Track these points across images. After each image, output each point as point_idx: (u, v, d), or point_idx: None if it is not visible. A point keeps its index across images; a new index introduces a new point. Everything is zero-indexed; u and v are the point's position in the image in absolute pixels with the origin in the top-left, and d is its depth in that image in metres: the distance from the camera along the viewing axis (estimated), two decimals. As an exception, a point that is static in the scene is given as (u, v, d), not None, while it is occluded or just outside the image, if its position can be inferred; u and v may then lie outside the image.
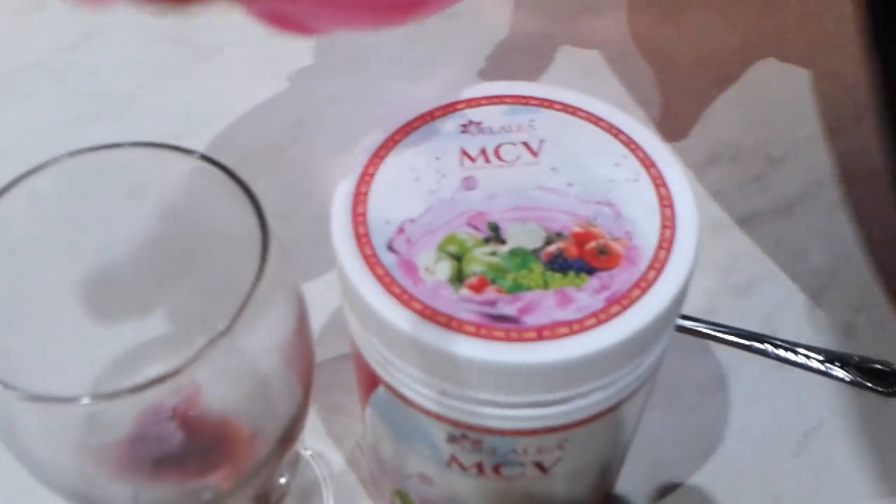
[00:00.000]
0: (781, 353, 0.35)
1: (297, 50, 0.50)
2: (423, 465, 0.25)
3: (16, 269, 0.21)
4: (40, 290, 0.22)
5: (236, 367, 0.26)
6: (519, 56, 0.49)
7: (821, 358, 0.35)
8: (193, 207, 0.23)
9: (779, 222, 0.40)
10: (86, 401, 0.20)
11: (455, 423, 0.22)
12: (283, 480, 0.34)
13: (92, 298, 0.24)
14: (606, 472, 0.27)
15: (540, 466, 0.24)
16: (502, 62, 0.48)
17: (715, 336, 0.36)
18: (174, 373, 0.20)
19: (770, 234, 0.40)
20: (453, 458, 0.24)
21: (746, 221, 0.40)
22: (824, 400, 0.35)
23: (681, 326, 0.36)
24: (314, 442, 0.35)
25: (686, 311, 0.37)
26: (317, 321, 0.38)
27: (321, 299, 0.36)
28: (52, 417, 0.21)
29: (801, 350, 0.35)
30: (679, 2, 0.52)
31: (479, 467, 0.24)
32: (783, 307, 0.37)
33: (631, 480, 0.33)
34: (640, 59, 0.49)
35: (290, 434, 0.27)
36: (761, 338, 0.36)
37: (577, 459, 0.24)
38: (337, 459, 0.34)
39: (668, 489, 0.33)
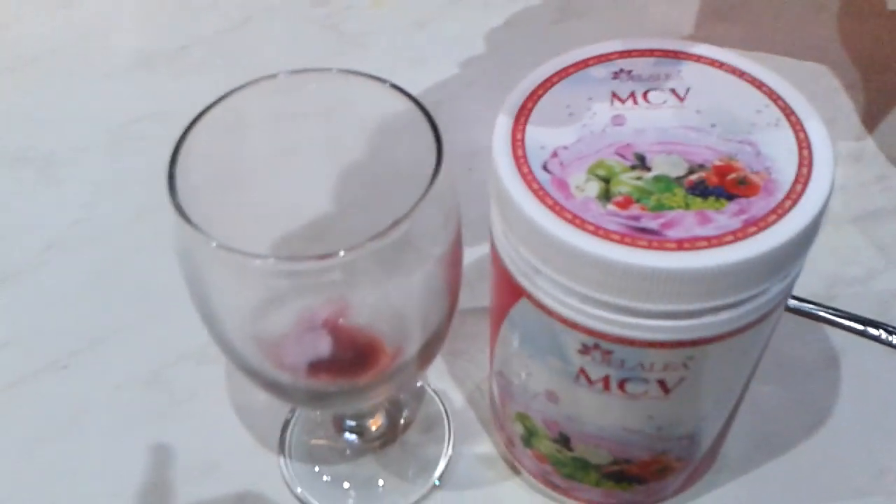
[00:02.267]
0: (894, 339, 0.36)
1: (436, 39, 0.53)
2: (551, 380, 0.27)
3: (237, 149, 0.25)
4: (247, 174, 0.26)
5: (390, 279, 0.29)
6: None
7: (937, 348, 0.36)
8: (375, 128, 0.26)
9: (899, 221, 0.41)
10: (272, 261, 0.23)
11: (590, 332, 0.24)
12: (406, 412, 0.37)
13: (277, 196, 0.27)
14: (722, 410, 0.29)
15: (663, 385, 0.26)
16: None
17: (831, 320, 0.37)
18: (350, 250, 0.23)
19: (890, 231, 0.41)
20: (582, 371, 0.26)
21: (867, 217, 0.41)
22: (936, 387, 0.35)
23: (798, 309, 0.38)
24: (438, 381, 0.37)
25: (804, 295, 0.38)
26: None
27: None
28: (236, 277, 0.24)
29: (916, 339, 0.36)
30: (798, 15, 0.54)
31: (606, 382, 0.26)
32: (900, 298, 0.38)
33: (739, 444, 0.34)
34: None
35: (431, 348, 0.29)
36: (876, 324, 0.37)
37: (698, 383, 0.26)
38: (458, 398, 0.37)
39: (775, 454, 0.34)
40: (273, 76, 0.26)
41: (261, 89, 0.25)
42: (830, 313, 0.37)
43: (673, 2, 0.55)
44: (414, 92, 0.24)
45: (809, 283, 0.39)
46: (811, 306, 0.38)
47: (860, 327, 0.37)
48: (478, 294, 0.39)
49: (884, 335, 0.36)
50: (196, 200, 0.24)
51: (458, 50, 0.52)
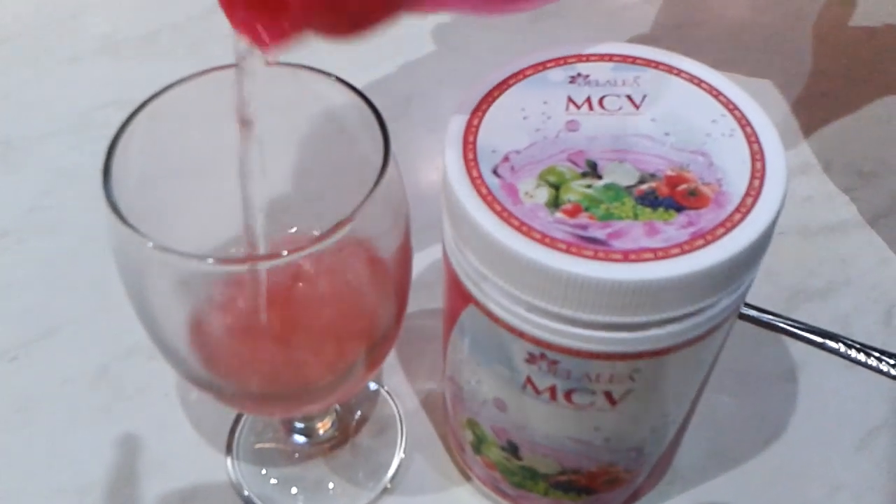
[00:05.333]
0: (853, 353, 0.36)
1: (410, 33, 0.53)
2: (499, 388, 0.27)
3: (179, 144, 0.24)
4: (191, 170, 0.25)
5: (337, 276, 0.28)
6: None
7: (893, 363, 0.36)
8: (325, 124, 0.26)
9: (864, 233, 0.41)
10: (210, 262, 0.22)
11: (536, 341, 0.24)
12: (358, 414, 0.36)
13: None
14: (672, 422, 0.28)
15: (610, 397, 0.25)
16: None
17: (790, 331, 0.37)
18: (293, 251, 0.22)
19: (855, 242, 0.40)
20: (529, 381, 0.26)
21: (833, 229, 0.41)
22: (892, 403, 0.35)
23: (757, 319, 0.37)
24: (393, 382, 0.37)
25: (764, 305, 0.38)
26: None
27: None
28: (174, 278, 0.24)
29: (874, 353, 0.36)
30: (798, 16, 0.53)
31: (552, 392, 0.25)
32: (860, 312, 0.38)
33: (692, 455, 0.34)
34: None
35: (378, 351, 0.29)
36: (836, 337, 0.36)
37: (645, 395, 0.25)
38: (412, 401, 0.36)
39: (728, 467, 0.34)
40: (216, 69, 0.25)
41: (204, 82, 0.25)
42: (790, 325, 0.37)
43: (654, 3, 0.54)
44: (384, 87, 0.23)
45: (770, 293, 0.38)
46: (770, 317, 0.37)
47: (820, 340, 0.36)
48: (436, 295, 0.39)
49: (843, 349, 0.36)
50: (135, 197, 0.23)
51: (432, 45, 0.52)
